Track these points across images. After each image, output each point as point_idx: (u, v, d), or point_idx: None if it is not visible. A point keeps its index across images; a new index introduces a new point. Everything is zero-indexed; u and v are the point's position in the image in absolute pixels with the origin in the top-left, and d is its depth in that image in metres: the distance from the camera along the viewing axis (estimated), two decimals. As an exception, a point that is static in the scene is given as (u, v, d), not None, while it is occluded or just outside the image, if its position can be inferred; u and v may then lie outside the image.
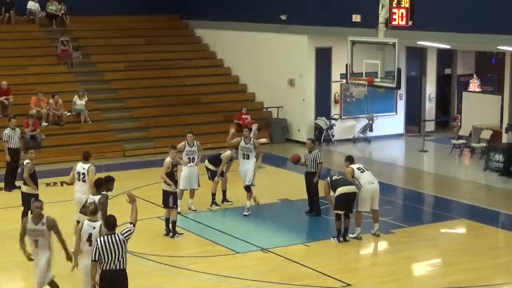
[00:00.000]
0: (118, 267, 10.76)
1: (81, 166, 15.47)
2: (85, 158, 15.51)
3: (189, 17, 32.54)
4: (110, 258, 10.69)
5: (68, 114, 25.87)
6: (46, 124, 25.09)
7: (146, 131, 26.69)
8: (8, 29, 29.55)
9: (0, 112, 25.12)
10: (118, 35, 30.90)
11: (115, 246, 10.70)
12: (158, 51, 30.32)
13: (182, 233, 16.40)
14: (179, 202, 16.98)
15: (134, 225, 11.23)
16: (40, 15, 30.24)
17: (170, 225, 16.31)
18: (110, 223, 10.99)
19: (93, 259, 10.85)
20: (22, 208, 16.32)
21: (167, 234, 16.33)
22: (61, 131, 25.33)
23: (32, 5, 30.29)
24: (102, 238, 10.83)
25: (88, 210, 11.78)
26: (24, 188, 16.30)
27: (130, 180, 19.80)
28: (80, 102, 25.98)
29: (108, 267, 10.73)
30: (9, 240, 16.33)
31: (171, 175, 16.21)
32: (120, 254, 10.73)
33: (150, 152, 24.94)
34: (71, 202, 16.90)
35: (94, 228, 11.52)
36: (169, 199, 16.18)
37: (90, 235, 11.49)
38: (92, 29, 30.72)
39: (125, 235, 10.90)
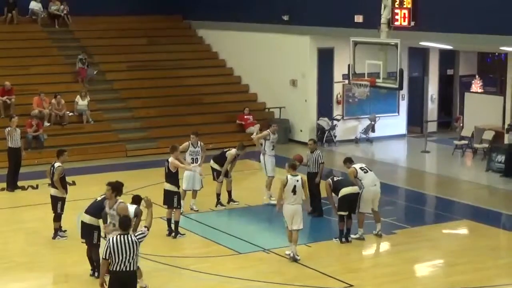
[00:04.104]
0: (128, 269, 10.69)
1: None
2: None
3: (191, 18, 32.52)
4: (120, 259, 10.62)
5: (70, 114, 25.86)
6: (48, 124, 25.10)
7: (148, 132, 26.68)
8: (11, 29, 29.56)
9: (2, 112, 25.13)
10: (121, 36, 30.88)
11: (127, 247, 10.65)
12: (160, 52, 30.32)
13: (184, 234, 16.38)
14: (182, 202, 16.98)
15: (148, 229, 11.25)
16: (42, 15, 30.24)
17: (173, 226, 16.30)
18: (124, 224, 10.99)
19: (104, 257, 10.80)
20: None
21: (169, 235, 16.31)
22: (63, 131, 25.31)
23: (34, 5, 30.29)
24: (114, 237, 10.76)
25: (289, 165, 14.78)
26: (52, 191, 16.16)
27: (132, 181, 19.72)
28: (82, 102, 25.97)
29: (118, 268, 10.66)
30: (11, 240, 16.38)
31: (174, 175, 16.22)
32: (131, 255, 10.68)
33: (152, 153, 24.89)
34: (72, 201, 16.90)
35: (297, 181, 14.44)
36: (174, 199, 16.18)
37: (295, 187, 14.36)
38: (94, 29, 30.70)
39: (138, 237, 10.88)
